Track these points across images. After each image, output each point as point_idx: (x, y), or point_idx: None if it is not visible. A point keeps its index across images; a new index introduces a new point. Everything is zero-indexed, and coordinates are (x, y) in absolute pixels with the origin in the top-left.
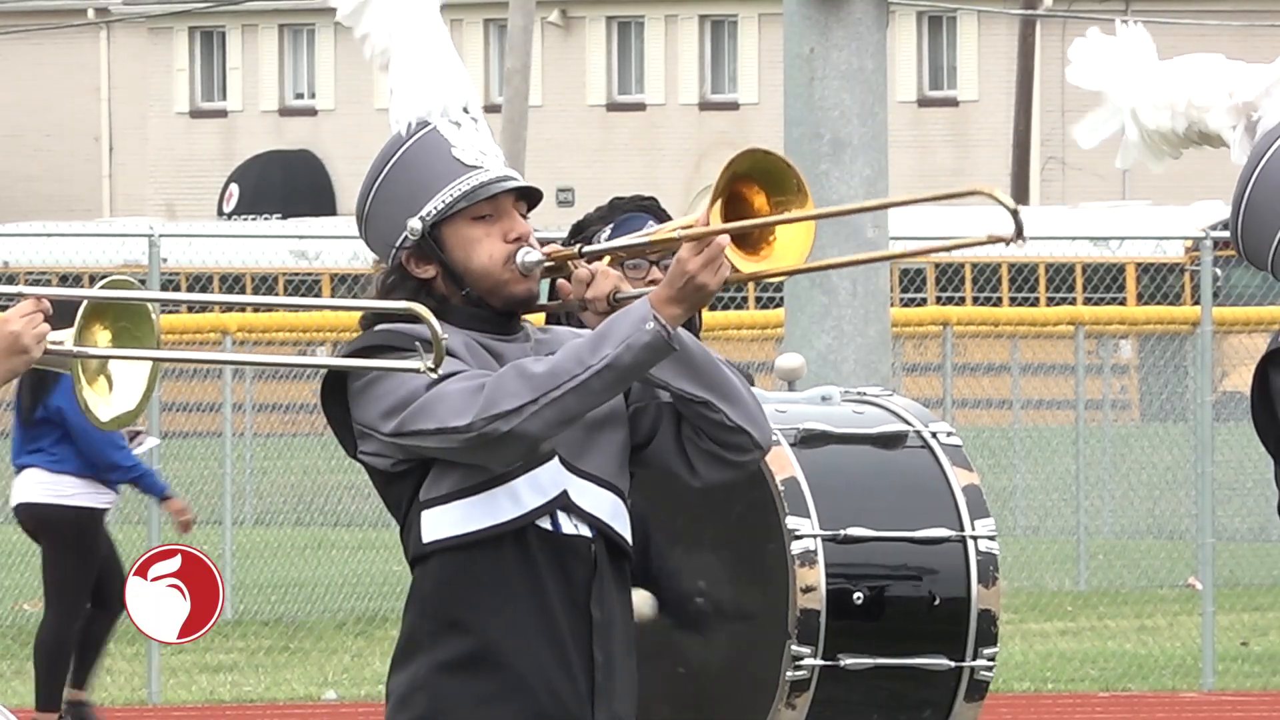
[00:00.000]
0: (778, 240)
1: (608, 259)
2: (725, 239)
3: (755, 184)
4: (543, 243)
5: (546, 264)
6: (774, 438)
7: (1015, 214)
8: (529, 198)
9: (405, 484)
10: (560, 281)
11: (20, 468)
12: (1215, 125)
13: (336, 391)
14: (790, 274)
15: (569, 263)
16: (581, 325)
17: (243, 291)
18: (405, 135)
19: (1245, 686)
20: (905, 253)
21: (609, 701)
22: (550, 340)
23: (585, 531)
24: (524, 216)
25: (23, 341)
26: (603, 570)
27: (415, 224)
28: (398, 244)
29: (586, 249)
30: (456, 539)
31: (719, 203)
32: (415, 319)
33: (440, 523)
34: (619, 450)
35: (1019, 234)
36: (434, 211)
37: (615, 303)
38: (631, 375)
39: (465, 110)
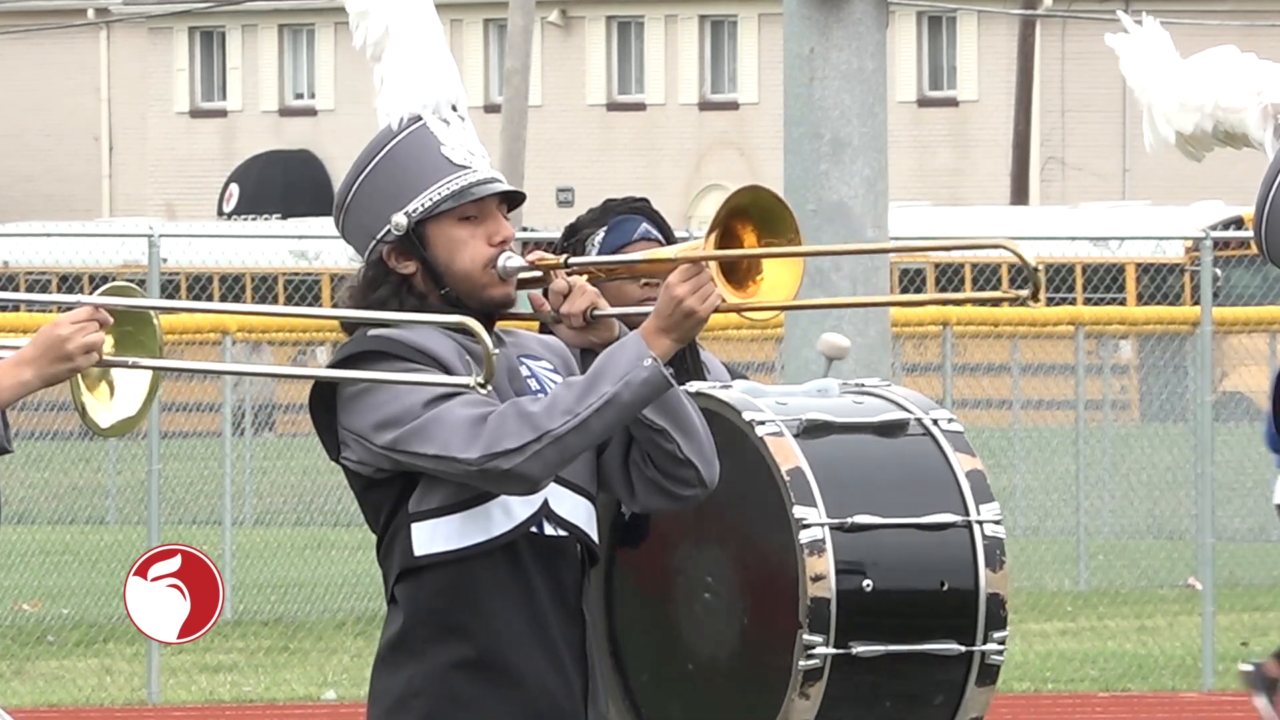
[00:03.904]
0: (765, 279)
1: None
2: (713, 267)
3: (750, 221)
4: (539, 245)
5: (528, 271)
6: (777, 429)
7: (1034, 272)
8: (511, 200)
9: (387, 491)
10: (534, 295)
11: None
12: (1246, 127)
13: (324, 394)
14: (778, 309)
15: (550, 272)
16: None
17: (242, 292)
18: (396, 129)
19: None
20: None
21: (596, 702)
22: (516, 345)
23: (564, 534)
24: (505, 219)
25: (67, 348)
26: (586, 571)
27: (400, 219)
28: (379, 236)
29: (573, 260)
30: (452, 553)
31: (715, 235)
32: (462, 330)
33: (433, 537)
34: (590, 458)
35: (1034, 295)
36: (421, 208)
37: (591, 319)
38: (630, 412)
39: (454, 109)
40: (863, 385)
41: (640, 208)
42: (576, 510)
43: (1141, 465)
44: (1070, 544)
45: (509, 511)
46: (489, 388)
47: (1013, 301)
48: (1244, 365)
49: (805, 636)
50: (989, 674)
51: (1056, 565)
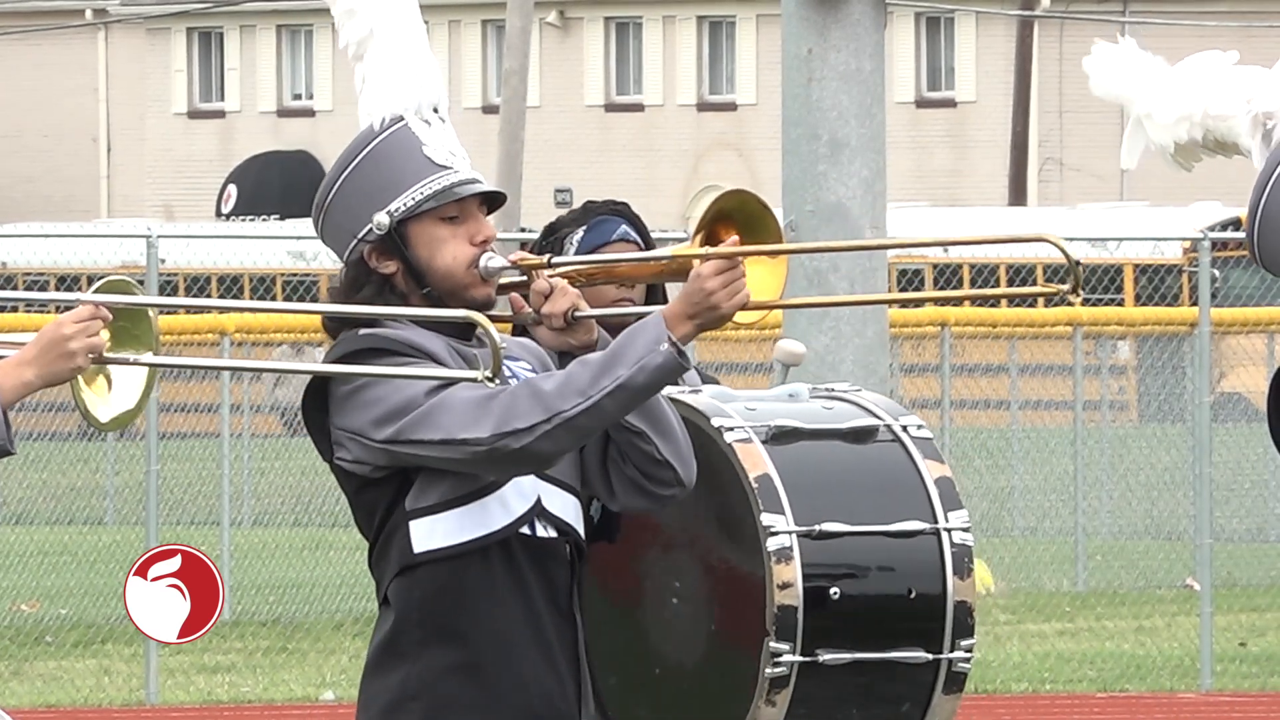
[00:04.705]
0: (747, 281)
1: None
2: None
3: (734, 226)
4: (528, 245)
5: (510, 273)
6: (745, 435)
7: (1075, 265)
8: (492, 202)
9: (384, 490)
10: (513, 296)
11: None
12: (1236, 135)
13: (317, 396)
14: (775, 308)
15: (532, 272)
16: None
17: (240, 292)
18: (378, 129)
19: (1243, 687)
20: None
21: (588, 704)
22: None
23: (555, 535)
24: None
25: (71, 347)
26: (575, 573)
27: (382, 218)
28: (361, 236)
29: (556, 259)
30: (452, 549)
31: (699, 236)
32: (467, 325)
33: (432, 532)
34: (574, 455)
35: (1075, 288)
36: (403, 208)
37: (572, 320)
38: (644, 396)
39: (436, 110)
40: (832, 390)
41: (620, 210)
42: (566, 508)
43: (1139, 466)
44: (1068, 544)
45: (506, 506)
46: (497, 381)
47: (1051, 297)
48: (1242, 366)
49: (772, 644)
50: (956, 681)
51: (1055, 566)
